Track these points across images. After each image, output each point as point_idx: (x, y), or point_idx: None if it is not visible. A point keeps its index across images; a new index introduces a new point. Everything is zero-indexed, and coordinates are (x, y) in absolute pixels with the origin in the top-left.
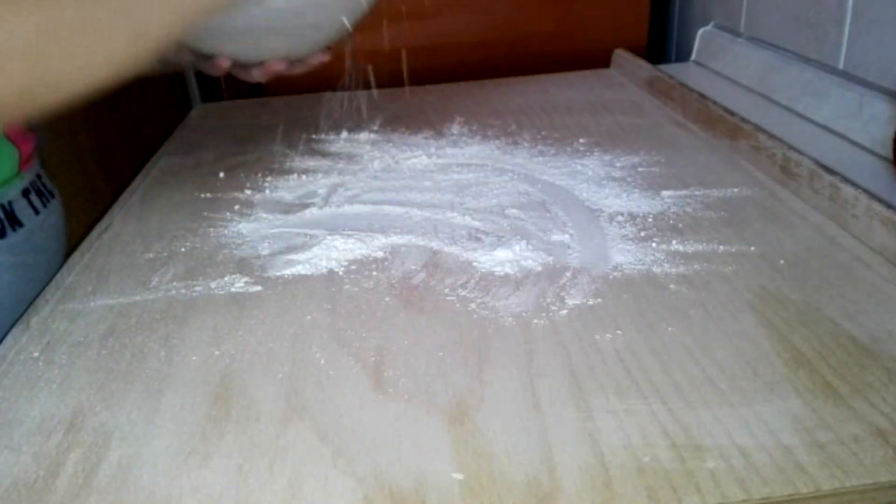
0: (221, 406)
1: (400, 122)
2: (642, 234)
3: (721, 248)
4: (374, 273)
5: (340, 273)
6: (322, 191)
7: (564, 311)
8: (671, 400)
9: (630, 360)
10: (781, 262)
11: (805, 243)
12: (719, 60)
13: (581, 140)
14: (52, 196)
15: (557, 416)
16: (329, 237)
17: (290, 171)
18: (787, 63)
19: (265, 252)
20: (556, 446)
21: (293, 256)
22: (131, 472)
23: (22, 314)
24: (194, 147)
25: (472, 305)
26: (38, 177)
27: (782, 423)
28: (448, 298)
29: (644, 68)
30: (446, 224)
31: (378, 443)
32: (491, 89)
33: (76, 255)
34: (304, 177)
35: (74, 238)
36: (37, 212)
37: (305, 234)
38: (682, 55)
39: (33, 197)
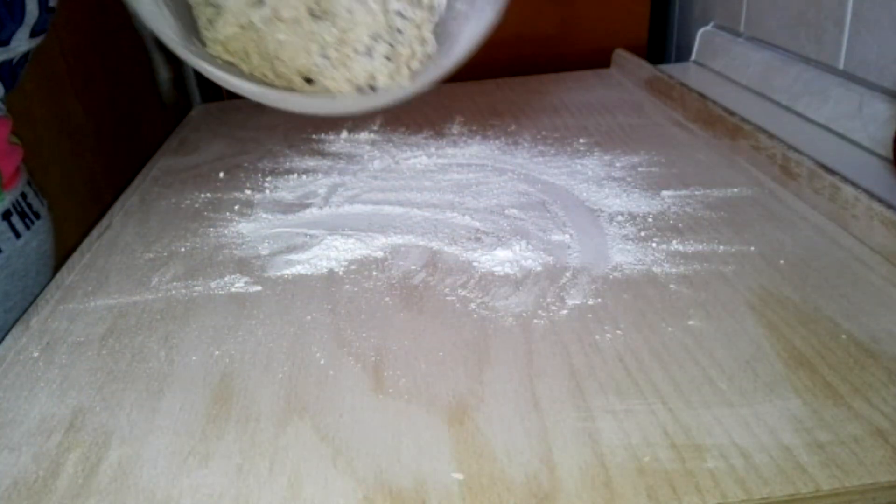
0: (221, 406)
1: (400, 122)
2: (642, 234)
3: (721, 248)
4: (374, 273)
5: (340, 273)
6: (322, 191)
7: (564, 311)
8: (671, 400)
9: (630, 360)
10: (781, 262)
11: (805, 243)
12: (719, 60)
13: (581, 140)
14: (38, 217)
15: (557, 416)
16: (329, 237)
17: (290, 171)
18: (787, 63)
19: (265, 252)
20: (556, 446)
21: (293, 256)
22: (131, 472)
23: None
24: (194, 147)
25: (472, 305)
26: (23, 196)
27: (782, 423)
28: (448, 298)
29: (644, 68)
30: (446, 224)
31: (378, 443)
32: (491, 89)
33: (76, 255)
34: (304, 177)
35: (73, 239)
36: (18, 235)
37: (305, 234)
38: (682, 55)
39: (15, 219)
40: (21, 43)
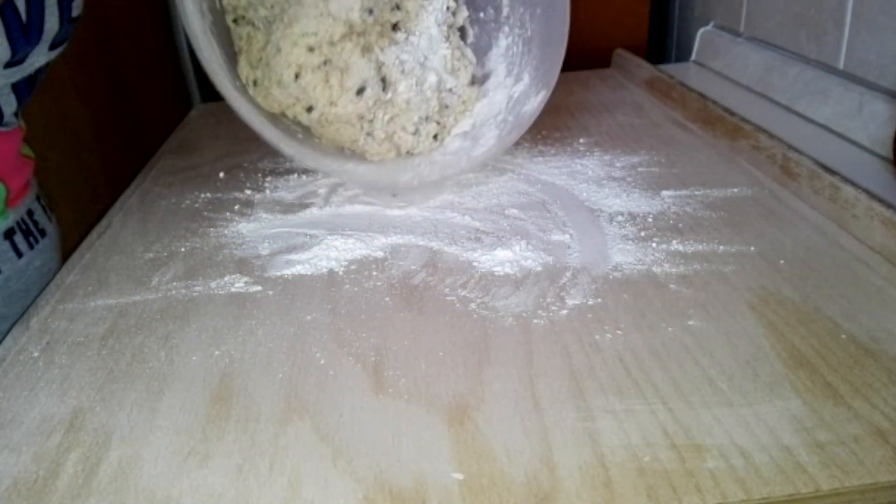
0: (221, 406)
1: None
2: (642, 234)
3: (721, 248)
4: (374, 273)
5: (340, 273)
6: (322, 191)
7: (564, 311)
8: (671, 400)
9: (630, 360)
10: (781, 262)
11: (805, 243)
12: (719, 60)
13: (581, 140)
14: (44, 235)
15: (557, 416)
16: (329, 237)
17: (290, 171)
18: (787, 63)
19: (265, 252)
20: (556, 446)
21: (293, 256)
22: (131, 472)
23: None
24: (194, 147)
25: (472, 305)
26: (30, 213)
27: (782, 423)
28: (448, 298)
29: (644, 68)
30: (446, 224)
31: (378, 443)
32: None
33: (76, 255)
34: (304, 177)
35: (73, 239)
36: (20, 255)
37: (305, 234)
38: (682, 55)
39: (18, 238)
40: (39, 58)
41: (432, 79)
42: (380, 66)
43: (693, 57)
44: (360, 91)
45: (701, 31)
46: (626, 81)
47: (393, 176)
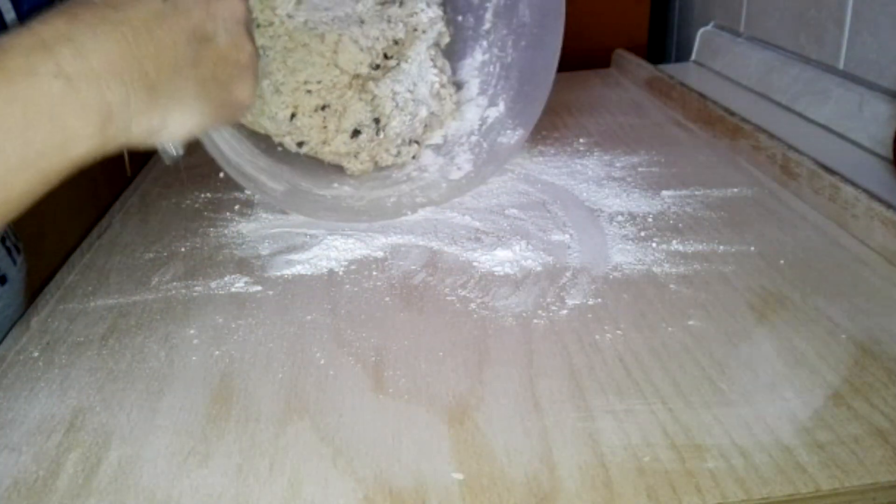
0: (221, 406)
1: None
2: (642, 234)
3: (721, 248)
4: (374, 273)
5: (340, 273)
6: None
7: (564, 311)
8: (671, 400)
9: (630, 360)
10: (781, 262)
11: (805, 243)
12: (719, 60)
13: (581, 140)
14: (4, 281)
15: (557, 416)
16: (329, 237)
17: None
18: (787, 63)
19: (265, 252)
20: (556, 446)
21: (293, 256)
22: (131, 472)
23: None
24: (194, 146)
25: (472, 305)
26: None
27: (782, 423)
28: (448, 298)
29: (644, 68)
30: (446, 224)
31: (378, 443)
32: None
33: (76, 255)
34: None
35: (72, 240)
36: None
37: (305, 234)
38: (682, 55)
39: None
40: None
41: (423, 113)
42: (372, 98)
43: (693, 57)
44: (355, 134)
45: (701, 31)
46: (626, 81)
47: (376, 205)
